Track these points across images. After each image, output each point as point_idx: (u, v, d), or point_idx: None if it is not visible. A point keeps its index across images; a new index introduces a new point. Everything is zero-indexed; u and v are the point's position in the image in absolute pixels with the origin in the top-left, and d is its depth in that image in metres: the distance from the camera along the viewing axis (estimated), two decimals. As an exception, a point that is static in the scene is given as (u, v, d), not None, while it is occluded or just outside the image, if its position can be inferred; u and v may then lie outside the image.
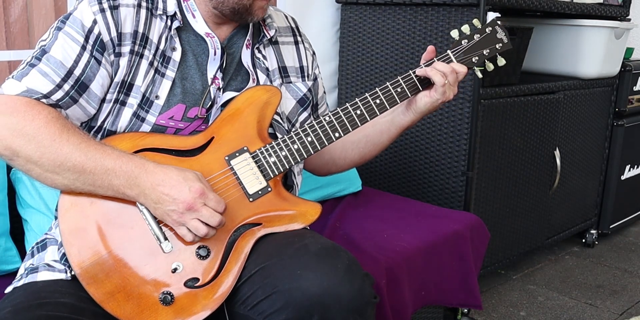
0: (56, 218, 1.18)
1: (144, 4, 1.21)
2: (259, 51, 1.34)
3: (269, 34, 1.35)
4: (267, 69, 1.35)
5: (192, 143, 1.21)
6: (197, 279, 1.14)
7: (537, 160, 2.47)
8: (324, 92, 1.53)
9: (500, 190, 2.33)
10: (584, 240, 3.01)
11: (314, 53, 1.49)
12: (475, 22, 1.38)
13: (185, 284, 1.13)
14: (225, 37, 1.30)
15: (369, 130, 1.42)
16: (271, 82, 1.34)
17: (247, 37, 1.32)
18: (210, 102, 1.26)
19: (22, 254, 1.53)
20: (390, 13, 2.27)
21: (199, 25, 1.26)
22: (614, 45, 2.62)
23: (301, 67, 1.43)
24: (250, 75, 1.31)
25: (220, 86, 1.27)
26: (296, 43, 1.44)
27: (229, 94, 1.27)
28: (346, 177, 2.11)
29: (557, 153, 2.56)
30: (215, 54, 1.26)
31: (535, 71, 2.71)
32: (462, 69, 1.31)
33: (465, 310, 2.14)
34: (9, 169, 1.61)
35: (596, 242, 3.01)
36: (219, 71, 1.27)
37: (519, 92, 2.30)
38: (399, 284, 1.65)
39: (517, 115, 2.31)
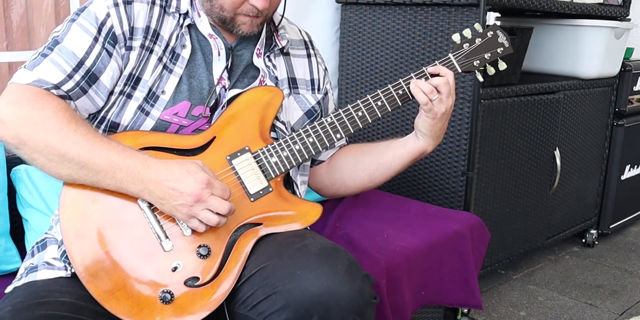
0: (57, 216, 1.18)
1: (158, 1, 1.23)
2: (269, 60, 1.35)
3: (280, 43, 1.35)
4: (276, 77, 1.35)
5: (193, 142, 1.21)
6: (197, 278, 1.14)
7: (537, 160, 2.47)
8: (335, 109, 1.52)
9: (500, 190, 2.34)
10: (584, 240, 3.01)
11: (326, 69, 1.49)
12: (477, 26, 1.39)
13: (185, 283, 1.13)
14: (236, 38, 1.31)
15: (381, 153, 1.42)
16: None
17: (258, 46, 1.32)
18: (214, 102, 1.26)
19: (22, 254, 1.53)
20: (390, 13, 2.27)
21: (204, 25, 1.27)
22: (614, 45, 2.62)
23: (312, 80, 1.43)
24: (260, 79, 1.31)
25: (226, 86, 1.28)
26: (308, 56, 1.45)
27: (233, 91, 1.28)
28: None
29: (557, 153, 2.56)
30: (219, 55, 1.27)
31: (535, 71, 2.71)
32: (441, 81, 1.30)
33: (465, 310, 2.14)
34: (9, 168, 1.61)
35: (596, 242, 3.01)
36: (225, 71, 1.27)
37: (519, 92, 2.30)
38: (398, 284, 1.65)
39: (517, 115, 2.31)
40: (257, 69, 1.33)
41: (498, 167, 2.29)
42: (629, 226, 3.28)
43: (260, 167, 1.23)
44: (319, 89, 1.45)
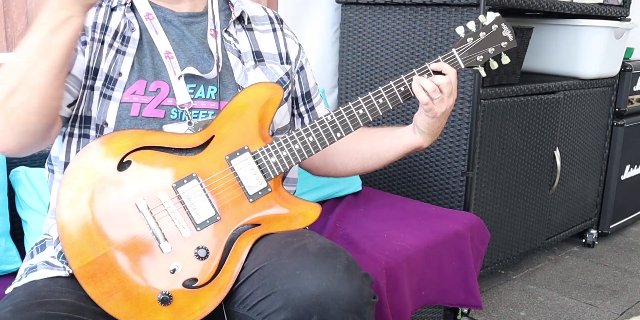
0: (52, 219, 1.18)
1: (103, 3, 1.28)
2: (230, 35, 1.34)
3: (234, 15, 1.34)
4: (239, 51, 1.34)
5: (192, 141, 1.20)
6: (195, 280, 1.14)
7: (537, 160, 2.47)
8: (316, 83, 1.52)
9: (500, 190, 2.33)
10: (584, 240, 3.01)
11: (300, 45, 1.47)
12: (482, 18, 1.35)
13: (184, 284, 1.13)
14: (187, 9, 1.32)
15: (377, 142, 1.42)
16: (243, 63, 1.33)
17: (210, 27, 1.31)
18: (168, 75, 1.26)
19: (22, 254, 1.53)
20: (390, 13, 2.27)
21: (142, 4, 1.29)
22: (614, 45, 2.62)
23: (279, 54, 1.41)
24: (215, 61, 1.29)
25: (176, 60, 1.27)
26: (274, 30, 1.42)
27: (189, 69, 1.26)
28: (346, 177, 2.11)
29: (557, 153, 2.56)
30: (157, 33, 1.27)
31: (535, 71, 2.71)
32: (443, 80, 1.29)
33: (465, 310, 2.14)
34: (8, 169, 1.61)
35: (596, 242, 3.01)
36: (168, 46, 1.27)
37: (519, 92, 2.30)
38: (398, 284, 1.65)
39: (517, 115, 2.31)
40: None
41: (498, 167, 2.29)
42: (629, 226, 3.28)
43: (259, 167, 1.22)
44: (287, 62, 1.42)
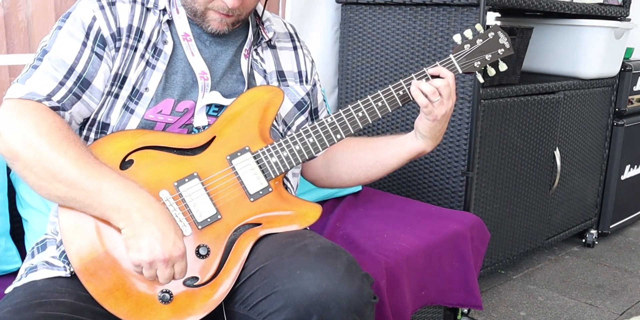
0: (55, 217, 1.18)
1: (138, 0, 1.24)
2: (257, 53, 1.35)
3: (267, 36, 1.35)
4: (265, 71, 1.35)
5: (193, 142, 1.21)
6: (196, 278, 1.14)
7: (537, 160, 2.47)
8: (324, 100, 1.53)
9: (500, 190, 2.34)
10: (584, 240, 3.01)
11: (313, 60, 1.49)
12: (478, 26, 1.39)
13: (185, 283, 1.13)
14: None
15: (380, 150, 1.42)
16: (268, 84, 1.35)
17: (245, 47, 1.32)
18: (197, 95, 1.25)
19: (22, 254, 1.53)
20: (390, 13, 2.27)
21: (181, 22, 1.27)
22: (614, 45, 2.62)
23: (299, 72, 1.43)
24: (245, 85, 1.30)
25: (209, 81, 1.26)
26: (295, 48, 1.45)
27: (214, 95, 1.26)
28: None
29: (557, 153, 2.56)
30: (193, 55, 1.26)
31: (535, 71, 2.71)
32: (442, 83, 1.30)
33: (465, 310, 2.14)
34: (9, 169, 1.61)
35: (596, 242, 3.01)
36: (204, 66, 1.26)
37: (519, 92, 2.30)
38: (398, 284, 1.65)
39: (517, 115, 2.31)
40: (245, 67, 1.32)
41: (498, 167, 2.29)
42: (629, 226, 3.28)
43: (260, 167, 1.23)
44: (307, 81, 1.44)
